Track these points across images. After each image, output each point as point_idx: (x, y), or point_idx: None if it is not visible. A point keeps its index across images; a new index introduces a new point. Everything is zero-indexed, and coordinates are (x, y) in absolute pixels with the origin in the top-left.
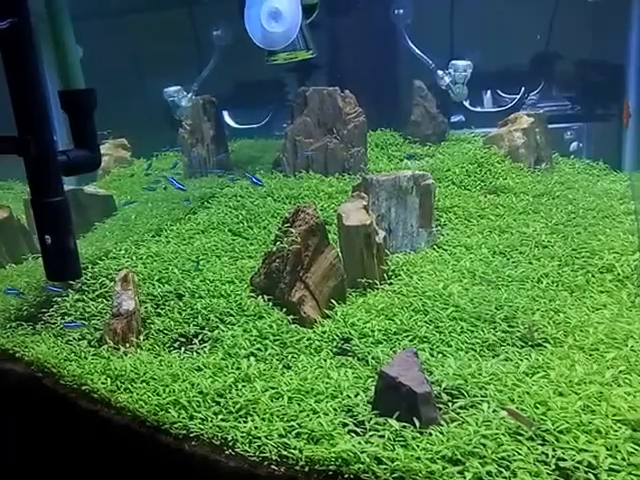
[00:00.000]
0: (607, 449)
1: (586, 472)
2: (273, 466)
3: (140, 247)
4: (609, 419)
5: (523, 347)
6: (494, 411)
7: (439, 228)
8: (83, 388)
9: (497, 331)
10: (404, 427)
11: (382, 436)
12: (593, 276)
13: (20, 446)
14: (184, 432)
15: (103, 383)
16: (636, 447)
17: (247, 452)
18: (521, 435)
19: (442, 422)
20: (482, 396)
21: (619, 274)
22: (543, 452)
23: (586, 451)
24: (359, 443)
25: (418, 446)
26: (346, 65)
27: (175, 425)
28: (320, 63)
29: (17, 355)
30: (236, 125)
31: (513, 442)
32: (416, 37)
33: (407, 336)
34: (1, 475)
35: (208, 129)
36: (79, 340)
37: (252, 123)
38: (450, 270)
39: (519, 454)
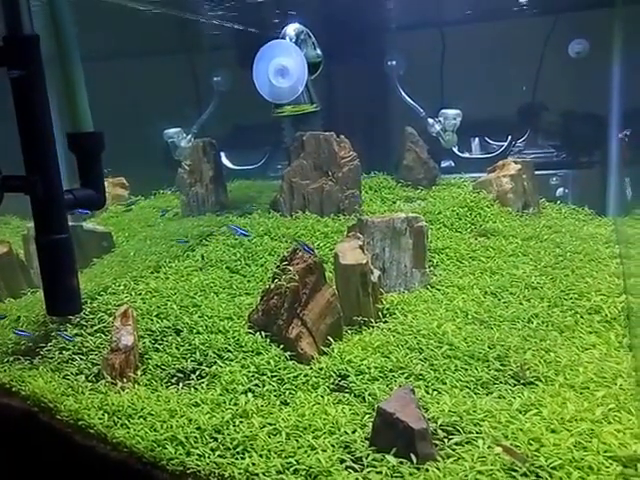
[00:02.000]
0: None
1: None
2: None
3: (139, 283)
4: (600, 455)
5: (515, 385)
6: (489, 447)
7: (432, 269)
8: (79, 423)
9: (490, 369)
10: (401, 463)
11: (379, 472)
12: (582, 317)
13: None
14: (181, 469)
15: (100, 419)
16: None
17: None
18: (515, 471)
19: (438, 458)
20: (477, 432)
21: (607, 315)
22: None
23: None
24: (357, 479)
25: None
26: (341, 111)
27: (172, 461)
28: (317, 110)
29: (14, 389)
30: (232, 166)
31: (508, 478)
32: (408, 87)
33: (403, 373)
34: None
35: (207, 170)
36: (76, 375)
37: (248, 164)
38: (443, 309)
39: None
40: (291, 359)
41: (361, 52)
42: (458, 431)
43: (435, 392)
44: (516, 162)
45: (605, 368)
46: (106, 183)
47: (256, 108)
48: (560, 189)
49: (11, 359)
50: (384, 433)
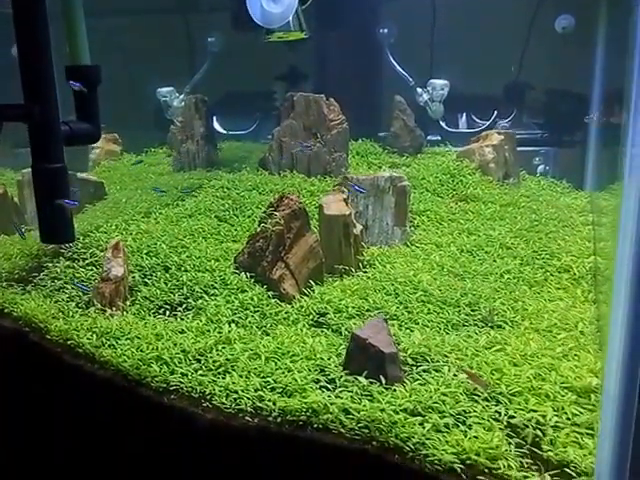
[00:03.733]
0: (554, 410)
1: (534, 428)
2: (247, 418)
3: (130, 225)
4: (557, 386)
5: (484, 327)
6: (454, 375)
7: (412, 229)
8: (69, 343)
9: (461, 314)
10: (371, 383)
11: (350, 391)
12: (551, 275)
13: (6, 401)
14: (164, 386)
15: (89, 339)
16: (580, 409)
17: (224, 404)
18: (477, 396)
19: (406, 381)
20: (444, 362)
21: (575, 274)
22: (496, 411)
23: (535, 411)
24: (329, 397)
25: (383, 400)
26: (332, 78)
27: (156, 379)
28: (308, 75)
29: (5, 311)
30: (223, 131)
31: (470, 401)
32: (398, 56)
33: (378, 313)
34: None
35: (199, 126)
36: (67, 302)
37: (239, 130)
38: (421, 263)
39: (475, 411)
40: (273, 298)
41: (353, 19)
42: (426, 360)
43: (408, 330)
44: (499, 133)
45: (569, 316)
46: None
47: (249, 73)
48: (541, 166)
49: (4, 284)
50: (357, 357)
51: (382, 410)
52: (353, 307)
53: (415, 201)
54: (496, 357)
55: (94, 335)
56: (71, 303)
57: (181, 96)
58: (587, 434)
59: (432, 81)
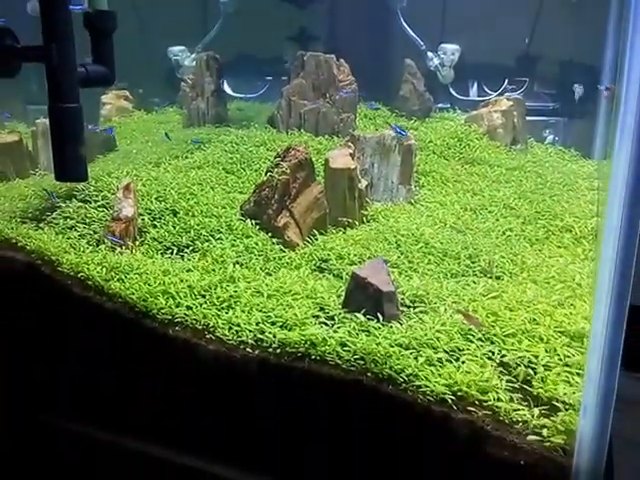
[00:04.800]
0: (546, 351)
1: (526, 367)
2: (248, 349)
3: (140, 172)
4: (551, 330)
5: (482, 277)
6: (450, 316)
7: (417, 188)
8: (79, 276)
9: (461, 265)
10: (369, 319)
11: (348, 327)
12: (553, 234)
13: (18, 330)
14: (169, 317)
15: (98, 272)
16: (572, 352)
17: (226, 336)
18: (472, 336)
19: (402, 320)
20: (441, 304)
21: (577, 234)
22: (490, 350)
23: (528, 352)
24: (327, 331)
25: (379, 335)
26: (343, 40)
27: (162, 311)
28: (319, 36)
29: (19, 244)
30: (233, 93)
31: (464, 340)
32: (410, 19)
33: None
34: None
35: (209, 84)
36: (79, 239)
37: (248, 93)
38: (424, 218)
39: (468, 349)
40: (278, 245)
41: None
42: (423, 302)
43: (407, 277)
44: (508, 99)
45: (567, 270)
46: (110, 95)
47: (261, 35)
48: (550, 136)
49: (19, 220)
50: (356, 296)
51: (378, 344)
52: (355, 255)
53: (421, 162)
54: (492, 303)
55: (104, 269)
56: (82, 240)
57: (192, 55)
58: (577, 374)
59: (443, 45)
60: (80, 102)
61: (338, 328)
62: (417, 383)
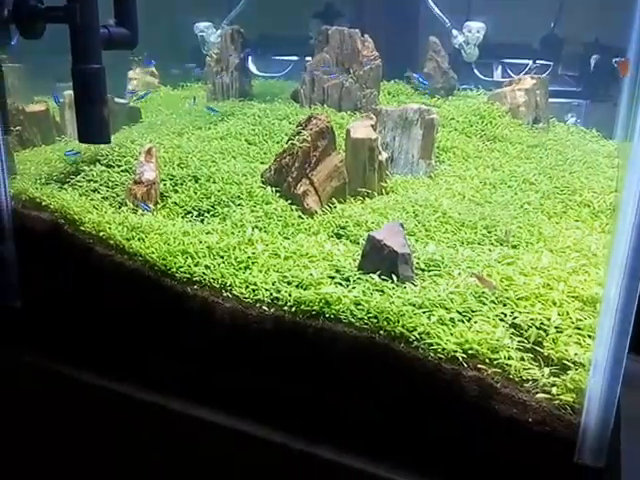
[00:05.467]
0: (559, 314)
1: (537, 329)
2: (264, 307)
3: (164, 140)
4: (564, 294)
5: (498, 246)
6: (464, 279)
7: (438, 164)
8: (101, 235)
9: (477, 234)
10: (383, 280)
11: (363, 287)
12: (571, 208)
13: (39, 286)
14: (188, 276)
15: (119, 232)
16: (584, 315)
17: (242, 295)
18: (485, 299)
19: (417, 282)
20: (456, 268)
21: (595, 209)
22: (502, 312)
23: (540, 314)
24: (342, 291)
25: (393, 294)
26: (368, 17)
27: (181, 269)
28: (344, 13)
29: (43, 204)
30: (257, 72)
31: (477, 302)
32: None
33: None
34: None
35: (234, 58)
36: (102, 201)
37: (273, 72)
38: (443, 191)
39: (481, 310)
40: (297, 212)
41: None
42: (438, 267)
43: (424, 244)
44: (532, 77)
45: (584, 241)
46: (137, 70)
47: (286, 11)
48: (573, 119)
49: (43, 181)
50: (371, 258)
51: (391, 303)
52: (372, 222)
53: (442, 139)
54: (507, 268)
55: (125, 229)
56: (105, 202)
57: (218, 31)
58: (589, 336)
59: (468, 23)
60: (103, 64)
61: (353, 288)
62: (428, 341)
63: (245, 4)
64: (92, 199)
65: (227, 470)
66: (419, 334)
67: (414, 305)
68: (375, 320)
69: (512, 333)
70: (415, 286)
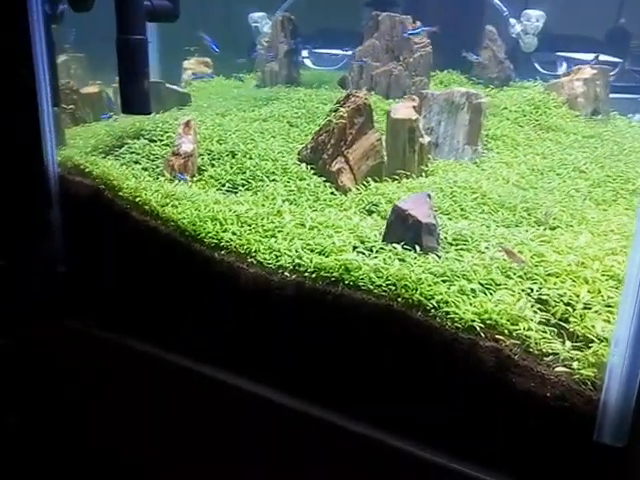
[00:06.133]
0: (589, 292)
1: (565, 305)
2: (286, 273)
3: (206, 118)
4: (598, 273)
5: (536, 228)
6: (492, 253)
7: (485, 151)
8: (137, 200)
9: (516, 216)
10: (406, 250)
11: (385, 255)
12: (623, 197)
13: (80, 250)
14: (216, 242)
15: (155, 198)
16: (617, 294)
17: (266, 260)
18: (512, 273)
19: (441, 254)
20: (484, 242)
21: None
22: (529, 287)
23: (569, 291)
24: (362, 258)
25: (414, 263)
26: (423, 5)
27: (209, 235)
28: (398, 2)
29: (87, 170)
30: (312, 66)
31: (503, 276)
32: None
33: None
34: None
35: (283, 45)
36: (141, 171)
37: (327, 66)
38: (486, 175)
39: (506, 284)
40: (330, 189)
41: None
42: (467, 241)
43: (456, 222)
44: (592, 67)
45: (628, 225)
46: (192, 61)
47: (339, 3)
48: (638, 115)
49: (88, 150)
50: (396, 228)
51: (412, 271)
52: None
53: (492, 127)
54: (541, 246)
55: (159, 195)
56: (144, 173)
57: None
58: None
59: (526, 12)
60: (146, 35)
61: (374, 257)
62: (446, 309)
63: None
64: (132, 169)
65: (238, 430)
66: (437, 302)
67: (434, 274)
68: (393, 287)
69: (538, 308)
70: (438, 256)
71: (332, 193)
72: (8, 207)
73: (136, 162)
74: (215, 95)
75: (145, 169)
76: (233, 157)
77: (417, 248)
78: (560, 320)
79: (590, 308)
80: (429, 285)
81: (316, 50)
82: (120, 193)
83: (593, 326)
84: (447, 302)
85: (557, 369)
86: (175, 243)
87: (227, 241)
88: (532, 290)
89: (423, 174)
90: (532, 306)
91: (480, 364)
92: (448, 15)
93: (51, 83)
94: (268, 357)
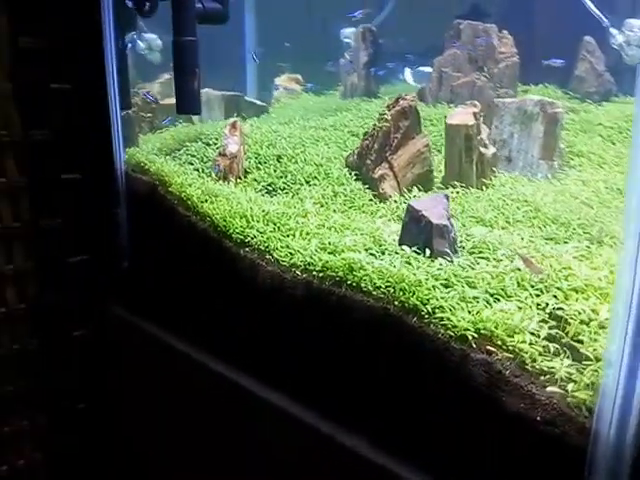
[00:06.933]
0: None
1: (581, 322)
2: (297, 272)
3: (263, 125)
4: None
5: (583, 244)
6: (510, 262)
7: (565, 169)
8: (182, 195)
9: (567, 232)
10: (416, 253)
11: (393, 258)
12: None
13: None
14: (242, 238)
15: (196, 194)
16: None
17: (281, 258)
18: (530, 285)
19: (453, 259)
20: (506, 251)
21: None
22: (545, 301)
23: (589, 308)
24: (369, 260)
25: (418, 267)
26: (517, 17)
27: (237, 231)
28: (490, 13)
29: (145, 167)
30: (413, 83)
31: (517, 287)
32: None
33: (469, 216)
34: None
35: (363, 56)
36: (192, 171)
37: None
38: (552, 191)
39: (517, 295)
40: (371, 196)
41: None
42: (488, 249)
43: (494, 231)
44: None
45: None
46: (283, 77)
47: (434, 15)
48: None
49: (152, 152)
50: (410, 229)
51: (413, 274)
52: (455, 210)
53: (579, 143)
54: (572, 261)
55: (200, 190)
56: (194, 173)
57: None
58: None
59: (629, 21)
60: (197, 36)
61: (381, 259)
62: (440, 315)
63: (392, 8)
64: (184, 169)
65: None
66: (432, 308)
67: (436, 279)
68: (392, 290)
69: (551, 325)
70: (448, 261)
71: (370, 200)
72: (88, 205)
73: (190, 163)
74: (296, 108)
75: (197, 170)
76: (278, 161)
77: (427, 251)
78: (573, 339)
79: (605, 327)
80: (427, 289)
81: (421, 68)
82: (170, 189)
83: (602, 347)
84: (442, 307)
85: (549, 389)
86: (209, 239)
87: (252, 237)
88: (547, 305)
89: (484, 187)
90: (542, 321)
91: (470, 378)
92: (543, 26)
93: (120, 90)
94: (272, 359)
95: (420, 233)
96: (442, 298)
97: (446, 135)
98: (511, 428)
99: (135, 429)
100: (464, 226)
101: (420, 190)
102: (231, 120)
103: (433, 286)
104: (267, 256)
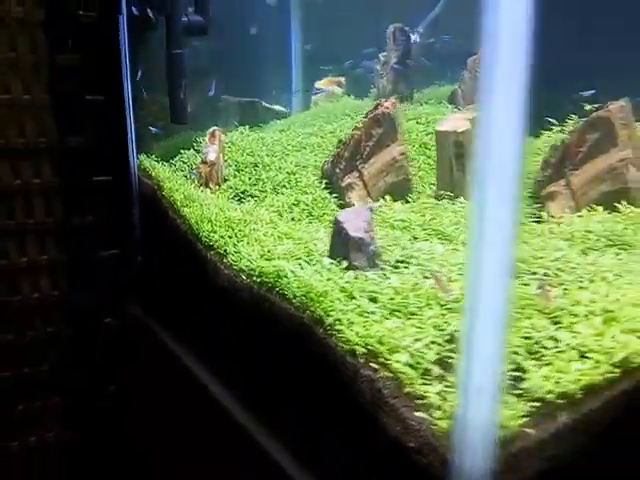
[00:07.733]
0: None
1: None
2: (244, 276)
3: (252, 133)
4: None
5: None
6: (425, 277)
7: None
8: (171, 200)
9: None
10: (332, 264)
11: (312, 268)
12: None
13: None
14: (208, 241)
15: (180, 199)
16: None
17: (234, 263)
18: (439, 305)
19: (366, 274)
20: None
21: None
22: (446, 321)
23: None
24: (295, 268)
25: (329, 278)
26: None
27: (204, 234)
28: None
29: (148, 172)
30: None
31: (423, 304)
32: None
33: (431, 229)
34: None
35: (393, 57)
36: (182, 177)
37: None
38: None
39: (418, 314)
40: (337, 205)
41: None
42: (410, 264)
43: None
44: None
45: None
46: (324, 80)
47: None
48: None
49: (157, 159)
50: (335, 242)
51: (320, 281)
52: (417, 224)
53: None
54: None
55: (182, 195)
56: (183, 178)
57: (413, 36)
58: None
59: None
60: (184, 50)
61: (302, 268)
62: (338, 327)
63: (443, 6)
64: (176, 175)
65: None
66: (334, 320)
67: (343, 290)
68: (305, 299)
69: (446, 347)
70: (359, 273)
71: (332, 210)
72: (114, 205)
73: (183, 169)
74: (323, 112)
75: (185, 176)
76: (254, 168)
77: (344, 263)
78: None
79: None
80: (331, 301)
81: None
82: (162, 192)
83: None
84: (340, 320)
85: (417, 414)
86: (187, 242)
87: (215, 241)
88: (449, 324)
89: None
90: (434, 342)
91: (359, 395)
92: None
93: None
94: (226, 361)
95: (343, 245)
96: (340, 311)
97: (437, 143)
98: (390, 452)
99: (137, 428)
100: (415, 239)
101: (394, 200)
102: (211, 129)
103: (338, 298)
104: (224, 260)
